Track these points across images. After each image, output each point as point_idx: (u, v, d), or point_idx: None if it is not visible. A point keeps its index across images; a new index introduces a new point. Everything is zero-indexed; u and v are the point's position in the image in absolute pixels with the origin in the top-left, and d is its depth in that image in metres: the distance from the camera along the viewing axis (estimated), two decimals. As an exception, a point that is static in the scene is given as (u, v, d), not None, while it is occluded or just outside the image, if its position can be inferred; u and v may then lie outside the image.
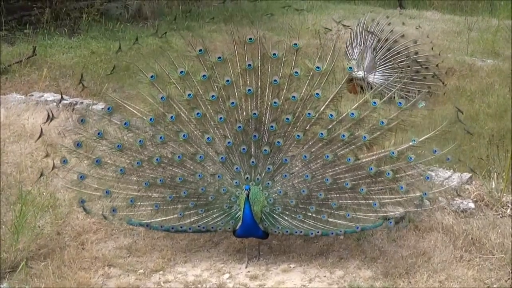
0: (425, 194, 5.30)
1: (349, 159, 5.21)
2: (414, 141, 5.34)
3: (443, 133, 5.33)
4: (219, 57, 5.30)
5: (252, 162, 5.29)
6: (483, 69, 12.28)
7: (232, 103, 5.25)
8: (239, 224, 5.20)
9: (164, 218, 5.31)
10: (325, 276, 5.16)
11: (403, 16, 17.69)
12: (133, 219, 5.36)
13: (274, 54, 5.31)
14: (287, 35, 5.50)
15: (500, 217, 5.92)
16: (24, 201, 5.48)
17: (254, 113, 5.23)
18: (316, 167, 5.27)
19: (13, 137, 7.40)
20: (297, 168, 5.32)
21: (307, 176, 5.26)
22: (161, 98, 5.34)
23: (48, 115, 5.83)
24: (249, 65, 5.26)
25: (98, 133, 5.34)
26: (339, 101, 5.30)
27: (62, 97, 7.85)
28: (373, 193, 5.25)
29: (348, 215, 5.24)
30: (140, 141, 5.30)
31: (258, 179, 5.31)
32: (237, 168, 5.31)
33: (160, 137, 5.29)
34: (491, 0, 18.41)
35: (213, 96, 5.27)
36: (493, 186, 6.22)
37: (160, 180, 5.28)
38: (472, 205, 6.05)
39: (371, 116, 5.26)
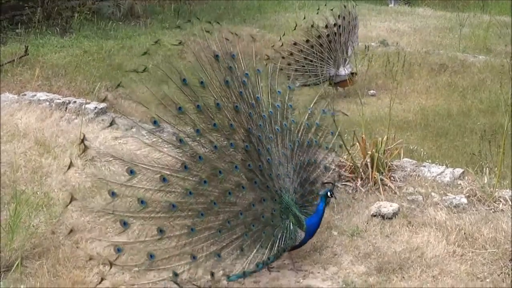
0: (331, 132, 5.95)
1: (297, 142, 5.50)
2: (310, 109, 5.81)
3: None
4: (202, 82, 5.08)
5: (270, 174, 5.16)
6: (475, 65, 12.36)
7: (231, 125, 5.07)
8: (302, 233, 5.12)
9: (252, 257, 4.94)
10: (319, 273, 5.19)
11: (394, 13, 17.79)
12: (230, 275, 4.94)
13: (230, 67, 5.23)
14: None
15: (493, 212, 5.96)
16: (19, 201, 5.48)
17: (249, 128, 5.10)
18: (291, 156, 5.40)
19: (6, 137, 7.40)
20: (287, 164, 5.36)
21: (293, 168, 5.35)
22: (180, 141, 4.98)
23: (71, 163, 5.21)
24: (227, 81, 5.13)
25: (141, 202, 4.78)
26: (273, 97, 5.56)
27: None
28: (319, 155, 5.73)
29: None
30: (190, 192, 4.87)
31: (281, 187, 5.19)
32: (267, 186, 5.15)
33: (204, 182, 4.95)
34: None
35: (214, 124, 5.05)
36: (486, 181, 6.26)
37: (228, 222, 4.95)
38: (464, 200, 6.08)
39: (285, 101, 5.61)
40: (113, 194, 4.81)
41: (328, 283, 5.06)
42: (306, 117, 5.72)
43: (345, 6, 11.42)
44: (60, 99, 8.66)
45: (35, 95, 8.82)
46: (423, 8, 18.70)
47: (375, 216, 5.89)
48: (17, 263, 5.00)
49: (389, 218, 5.84)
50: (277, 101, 5.50)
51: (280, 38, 11.41)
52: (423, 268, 5.15)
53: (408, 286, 4.97)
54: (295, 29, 11.41)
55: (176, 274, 4.78)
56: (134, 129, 7.89)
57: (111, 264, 4.77)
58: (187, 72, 5.01)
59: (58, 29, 13.31)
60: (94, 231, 5.66)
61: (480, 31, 14.83)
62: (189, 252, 4.80)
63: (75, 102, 8.56)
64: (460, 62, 12.50)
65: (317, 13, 11.54)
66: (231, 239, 4.93)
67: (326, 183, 5.33)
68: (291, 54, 11.21)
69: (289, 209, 5.12)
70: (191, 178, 4.95)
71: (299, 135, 5.56)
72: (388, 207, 5.92)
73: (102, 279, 4.79)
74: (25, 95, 8.90)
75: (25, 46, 11.27)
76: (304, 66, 11.05)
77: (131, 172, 4.84)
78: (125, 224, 4.79)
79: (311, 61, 11.02)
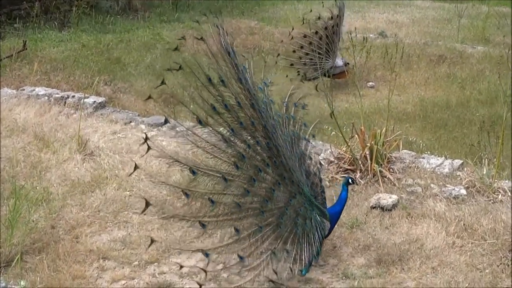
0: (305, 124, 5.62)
1: (288, 134, 5.34)
2: (285, 102, 5.56)
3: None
4: (222, 80, 4.93)
5: (290, 169, 5.05)
6: (474, 56, 12.34)
7: (252, 122, 4.96)
8: (328, 223, 5.15)
9: (306, 249, 4.97)
10: (319, 265, 5.19)
11: (393, 4, 17.77)
12: (301, 269, 4.95)
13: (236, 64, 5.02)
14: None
15: (492, 203, 5.95)
16: (18, 196, 5.46)
17: (265, 124, 4.95)
18: (291, 149, 5.28)
19: (5, 132, 7.39)
20: (292, 158, 5.29)
21: (296, 161, 5.26)
22: (225, 141, 4.93)
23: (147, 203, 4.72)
24: (240, 78, 4.94)
25: (211, 201, 4.77)
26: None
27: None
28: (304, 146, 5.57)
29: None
30: (247, 192, 4.87)
31: (299, 181, 5.10)
32: (292, 181, 5.06)
33: (253, 180, 4.91)
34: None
35: (241, 123, 4.97)
36: (485, 172, 6.25)
37: (281, 218, 4.94)
38: (464, 191, 6.08)
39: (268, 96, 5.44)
40: (187, 195, 4.76)
41: (328, 275, 5.07)
42: (292, 111, 5.59)
43: None
44: (58, 94, 8.65)
45: (33, 90, 8.80)
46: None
47: (374, 208, 5.89)
48: (17, 258, 5.00)
49: (388, 210, 5.85)
50: (263, 96, 5.30)
51: (290, 33, 11.32)
52: (422, 259, 5.16)
53: (408, 278, 4.98)
54: (303, 23, 11.31)
55: (275, 273, 4.78)
56: (132, 123, 7.94)
57: (206, 272, 4.77)
58: (195, 67, 4.91)
59: (56, 23, 13.29)
60: (94, 225, 5.66)
61: (479, 22, 14.80)
62: (269, 249, 4.81)
63: (73, 96, 8.56)
64: (458, 53, 12.48)
65: (323, 6, 11.45)
66: (287, 233, 4.94)
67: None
68: (302, 47, 11.14)
69: (311, 201, 5.09)
70: (241, 179, 4.93)
71: (289, 128, 5.44)
72: (387, 199, 5.93)
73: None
74: (23, 90, 8.89)
75: (23, 40, 11.26)
76: (312, 59, 10.99)
77: (193, 173, 4.80)
78: (203, 225, 4.75)
79: (319, 53, 10.97)
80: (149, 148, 4.76)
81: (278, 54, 11.26)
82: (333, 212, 5.22)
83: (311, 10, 11.52)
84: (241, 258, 4.77)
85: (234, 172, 4.92)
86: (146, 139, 4.76)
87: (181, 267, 4.94)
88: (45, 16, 13.50)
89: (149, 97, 5.09)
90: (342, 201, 5.27)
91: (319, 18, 11.19)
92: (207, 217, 4.78)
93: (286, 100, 5.57)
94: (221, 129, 4.93)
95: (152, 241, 4.79)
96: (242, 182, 4.91)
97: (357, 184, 5.76)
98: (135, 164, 4.94)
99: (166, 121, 4.94)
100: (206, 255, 4.78)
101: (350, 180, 5.33)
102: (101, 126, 7.76)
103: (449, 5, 16.79)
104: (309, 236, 4.99)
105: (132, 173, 5.31)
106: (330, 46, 11.10)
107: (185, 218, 4.77)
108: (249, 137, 4.99)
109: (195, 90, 4.88)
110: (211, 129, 4.90)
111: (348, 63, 10.88)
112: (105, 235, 5.57)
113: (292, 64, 11.09)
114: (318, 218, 5.09)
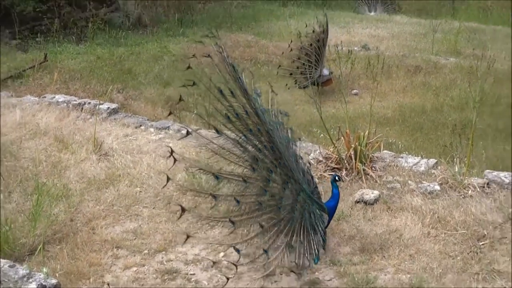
0: (291, 129, 5.50)
1: (281, 138, 5.23)
2: (273, 110, 5.42)
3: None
4: (231, 92, 4.88)
5: (291, 169, 4.99)
6: (447, 67, 12.38)
7: (258, 129, 4.91)
8: (326, 216, 5.15)
9: (314, 240, 4.97)
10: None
11: (375, 20, 17.81)
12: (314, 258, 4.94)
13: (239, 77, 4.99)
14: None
15: (463, 197, 5.98)
16: (40, 192, 5.48)
17: (267, 130, 4.89)
18: (287, 149, 5.23)
19: (28, 135, 7.40)
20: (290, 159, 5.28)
21: (292, 158, 5.23)
22: (241, 146, 4.92)
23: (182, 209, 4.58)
24: (245, 89, 4.89)
25: (237, 201, 4.73)
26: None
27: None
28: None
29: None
30: (265, 191, 4.84)
31: (299, 179, 5.05)
32: (295, 180, 5.01)
33: (268, 180, 4.88)
34: (453, 5, 18.54)
35: (250, 129, 4.92)
36: (456, 170, 6.28)
37: (294, 213, 4.92)
38: (438, 187, 6.10)
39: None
40: (215, 198, 4.70)
41: (317, 262, 5.09)
42: (280, 117, 5.48)
43: (326, 14, 11.43)
44: (76, 101, 8.66)
45: (54, 97, 8.81)
46: (400, 16, 18.73)
47: (358, 202, 5.91)
48: (39, 247, 5.02)
49: (371, 204, 5.87)
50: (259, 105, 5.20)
51: (289, 45, 11.32)
52: (401, 248, 5.18)
53: (388, 264, 5.00)
54: (300, 37, 11.31)
55: (296, 264, 4.75)
56: (142, 127, 7.95)
57: (236, 266, 4.70)
58: (199, 75, 4.88)
59: (74, 37, 13.31)
60: (108, 218, 5.68)
61: (451, 36, 14.84)
62: (283, 242, 4.77)
63: (90, 103, 8.56)
64: (433, 64, 12.52)
65: (317, 21, 11.46)
66: (297, 226, 4.91)
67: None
68: (299, 58, 11.15)
69: (310, 197, 5.08)
70: (257, 180, 4.91)
71: (281, 133, 5.34)
72: (370, 194, 5.95)
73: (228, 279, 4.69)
74: (45, 97, 8.89)
75: (44, 53, 11.28)
76: (306, 69, 10.99)
77: (217, 178, 4.77)
78: (233, 223, 4.67)
79: (311, 63, 10.99)
80: (175, 160, 4.68)
81: (279, 66, 11.28)
82: (330, 206, 5.22)
83: (306, 25, 11.52)
84: (265, 251, 4.71)
85: (251, 174, 4.90)
86: (172, 152, 4.68)
87: (214, 263, 4.95)
88: (64, 31, 13.52)
89: (170, 113, 5.01)
90: (336, 196, 5.26)
91: (313, 31, 11.20)
92: (233, 216, 4.73)
93: (271, 107, 5.46)
94: (234, 136, 4.92)
95: (188, 236, 4.66)
96: (258, 183, 4.89)
97: (342, 181, 5.79)
98: (167, 176, 4.76)
99: (188, 133, 4.86)
100: (238, 251, 4.71)
101: (336, 178, 5.35)
102: (114, 130, 7.77)
103: (425, 21, 16.85)
104: (314, 228, 4.99)
105: (165, 185, 5.16)
106: (319, 57, 11.12)
107: (215, 218, 4.73)
108: (257, 142, 4.97)
109: (210, 103, 4.83)
110: (226, 136, 4.89)
111: (332, 72, 10.93)
112: (118, 227, 5.59)
113: (291, 74, 11.13)
114: (318, 212, 5.09)
